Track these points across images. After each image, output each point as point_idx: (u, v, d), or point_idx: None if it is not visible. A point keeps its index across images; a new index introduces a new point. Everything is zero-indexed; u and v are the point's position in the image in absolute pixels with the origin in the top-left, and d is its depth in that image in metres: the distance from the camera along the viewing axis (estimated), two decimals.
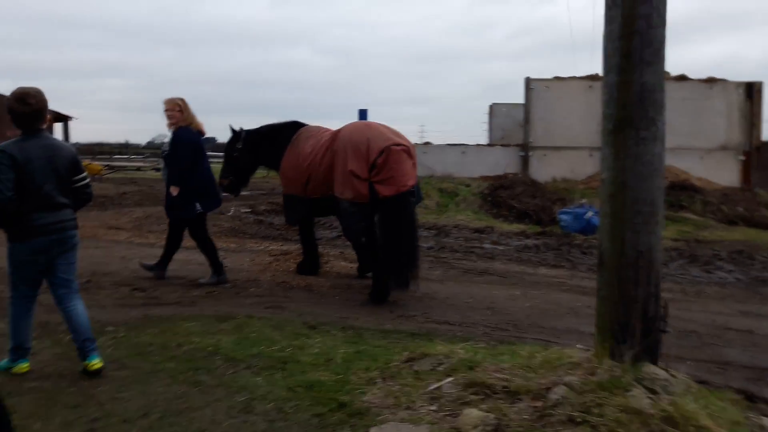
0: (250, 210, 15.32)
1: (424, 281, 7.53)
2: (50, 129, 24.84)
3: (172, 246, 6.83)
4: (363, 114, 20.09)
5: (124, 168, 36.38)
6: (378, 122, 6.82)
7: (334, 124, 8.07)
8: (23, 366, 3.85)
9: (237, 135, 7.57)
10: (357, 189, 6.11)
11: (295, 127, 7.42)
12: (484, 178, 18.06)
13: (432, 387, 3.63)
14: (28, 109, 3.72)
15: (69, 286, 3.97)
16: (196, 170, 6.50)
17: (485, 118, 25.52)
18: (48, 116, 3.92)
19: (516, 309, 6.30)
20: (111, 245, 9.53)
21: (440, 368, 3.93)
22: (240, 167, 7.60)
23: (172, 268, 7.35)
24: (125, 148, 61.21)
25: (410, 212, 6.27)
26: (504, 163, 18.80)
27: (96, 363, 3.83)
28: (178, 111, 6.46)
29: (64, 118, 27.28)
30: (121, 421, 3.13)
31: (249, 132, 7.61)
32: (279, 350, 4.36)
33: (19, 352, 3.88)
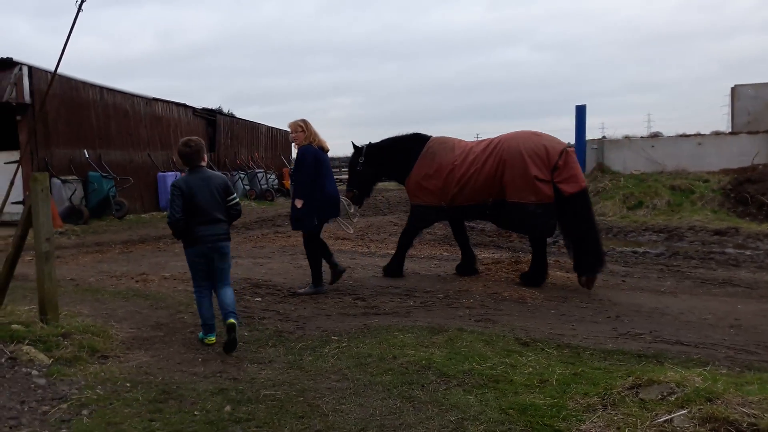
0: None
1: (652, 294, 6.86)
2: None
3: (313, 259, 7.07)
4: (581, 111, 19.06)
5: None
6: (530, 130, 7.32)
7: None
8: (211, 339, 5.07)
9: (359, 150, 7.99)
10: (542, 191, 6.79)
11: (419, 139, 7.78)
12: (726, 172, 15.89)
13: (661, 419, 3.24)
14: (190, 150, 5.05)
15: (224, 282, 5.17)
16: (319, 184, 6.78)
17: (725, 101, 22.56)
18: (204, 156, 5.15)
19: None
20: (336, 255, 10.28)
21: (671, 398, 3.50)
22: (363, 180, 8.02)
23: (404, 276, 7.70)
24: None
25: (591, 204, 7.24)
26: (751, 152, 16.33)
27: (231, 320, 4.86)
28: (300, 132, 6.81)
29: None
30: None
31: (370, 146, 8.01)
32: (490, 367, 4.27)
33: (207, 328, 5.11)
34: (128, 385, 3.98)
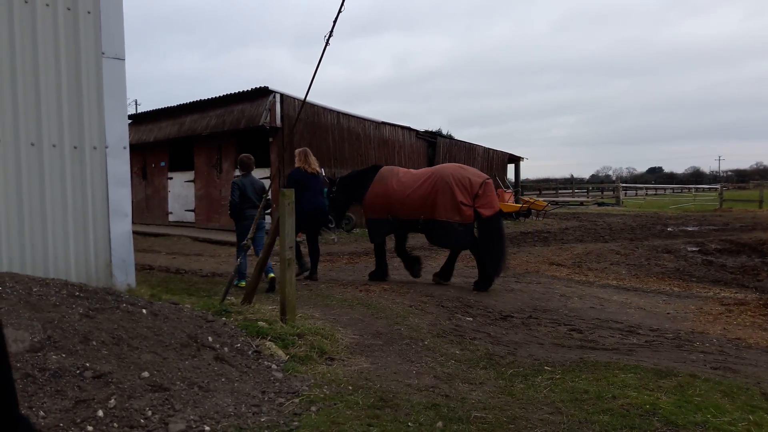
0: (697, 249, 13.93)
1: None
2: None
3: (312, 255, 9.16)
4: None
5: (567, 203, 37.85)
6: (457, 164, 9.23)
7: None
8: (242, 283, 7.80)
9: (333, 181, 9.89)
10: (465, 213, 8.50)
11: (375, 168, 9.67)
12: None
13: None
14: (251, 162, 8.39)
15: (259, 245, 7.64)
16: (300, 200, 8.12)
17: None
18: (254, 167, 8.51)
19: None
20: (551, 281, 9.95)
21: None
22: (336, 205, 9.76)
23: (627, 311, 7.24)
24: (569, 183, 62.82)
25: (502, 226, 8.84)
26: None
27: (272, 275, 7.84)
28: (297, 159, 8.85)
29: (515, 160, 30.01)
30: None
31: (341, 178, 9.97)
32: (729, 423, 3.77)
33: (241, 275, 7.94)
34: (350, 388, 4.28)
